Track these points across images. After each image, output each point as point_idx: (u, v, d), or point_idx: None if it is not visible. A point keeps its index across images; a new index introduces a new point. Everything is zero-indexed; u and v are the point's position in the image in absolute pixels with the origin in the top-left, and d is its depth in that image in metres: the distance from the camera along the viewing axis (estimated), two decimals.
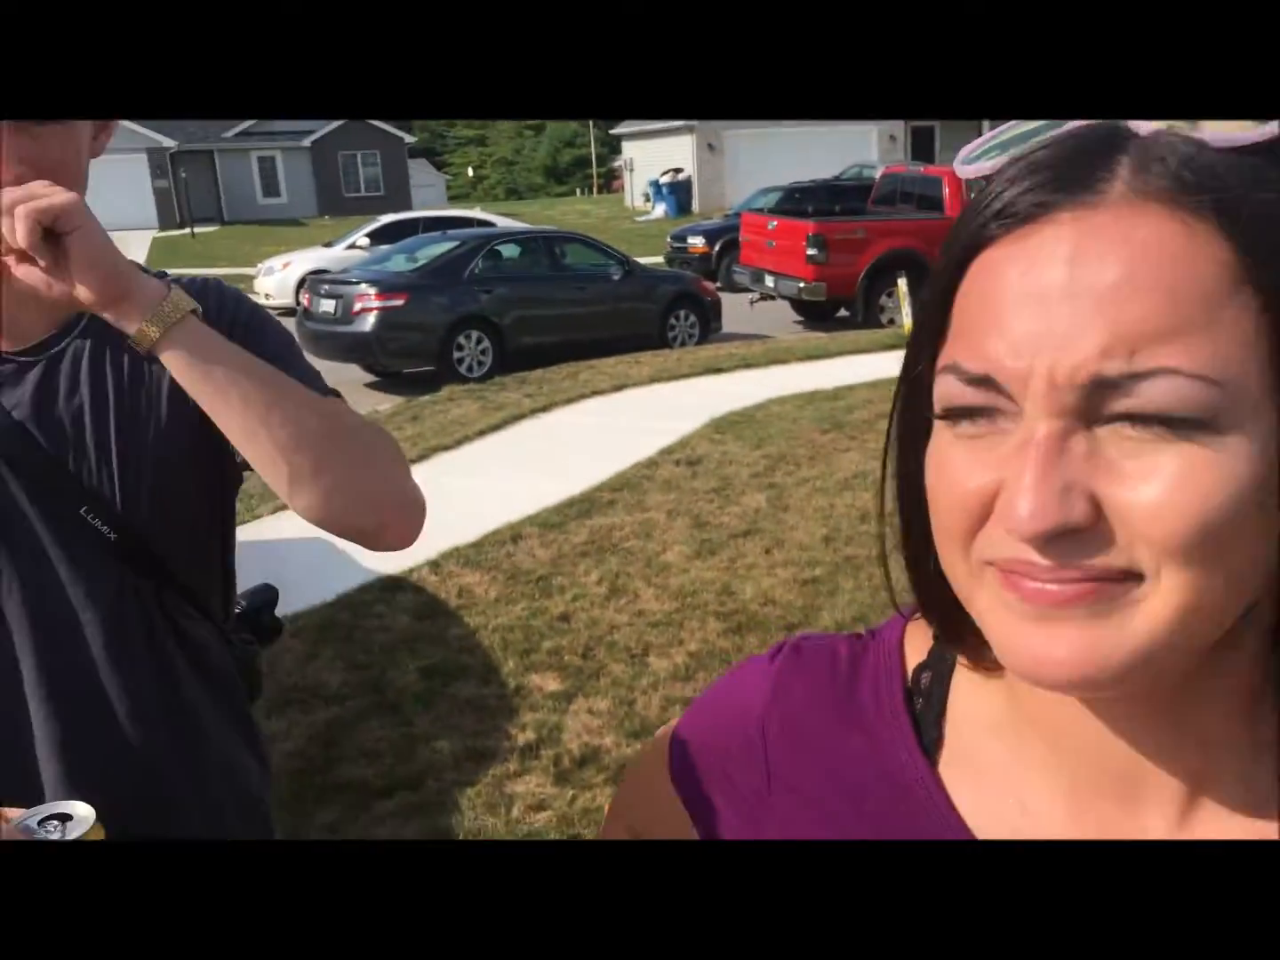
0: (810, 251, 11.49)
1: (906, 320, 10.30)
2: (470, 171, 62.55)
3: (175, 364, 0.98)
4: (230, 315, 1.13)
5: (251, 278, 15.80)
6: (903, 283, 10.39)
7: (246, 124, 37.02)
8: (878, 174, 15.14)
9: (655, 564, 4.95)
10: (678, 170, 29.08)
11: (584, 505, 5.83)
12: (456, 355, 9.80)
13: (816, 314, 12.52)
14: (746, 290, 13.10)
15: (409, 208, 35.48)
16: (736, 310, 12.49)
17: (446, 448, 7.19)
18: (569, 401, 8.54)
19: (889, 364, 8.44)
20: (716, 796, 0.64)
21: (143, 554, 1.10)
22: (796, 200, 15.87)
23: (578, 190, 53.72)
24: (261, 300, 14.27)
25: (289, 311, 11.77)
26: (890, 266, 11.37)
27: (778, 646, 0.65)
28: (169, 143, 33.73)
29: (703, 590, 4.61)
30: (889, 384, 0.59)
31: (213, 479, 1.15)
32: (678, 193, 28.84)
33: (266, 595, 1.38)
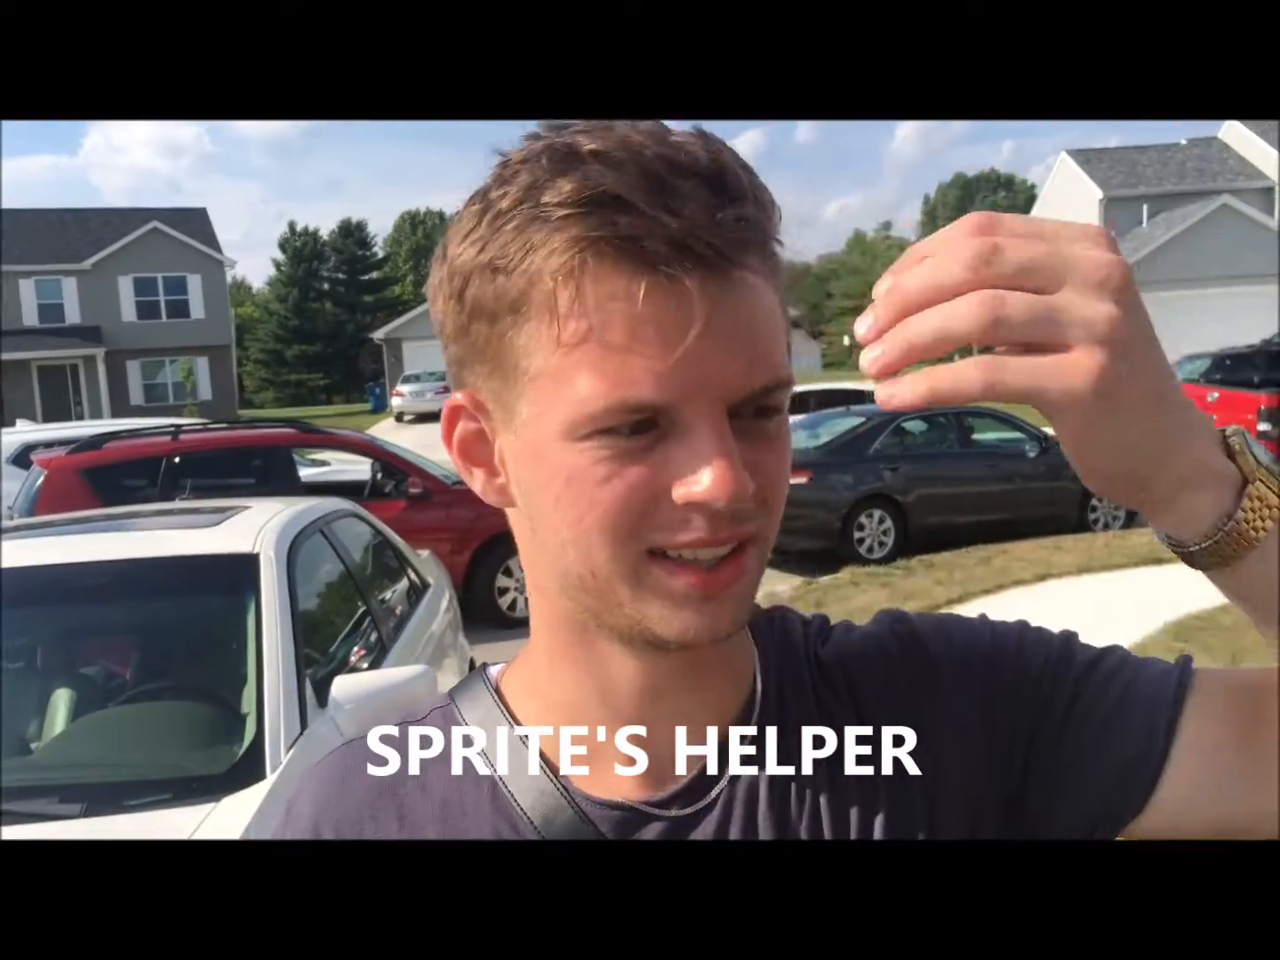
0: (1262, 427, 10.21)
1: None
2: (845, 340, 63.58)
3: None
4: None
5: None
6: None
7: None
8: None
9: None
10: None
11: None
12: (858, 535, 9.39)
13: None
14: None
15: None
16: None
17: None
18: (987, 592, 7.79)
19: None
20: None
21: None
22: (1229, 369, 14.33)
23: (955, 356, 52.99)
24: None
25: None
26: None
27: None
28: None
29: None
30: None
31: None
32: None
33: None
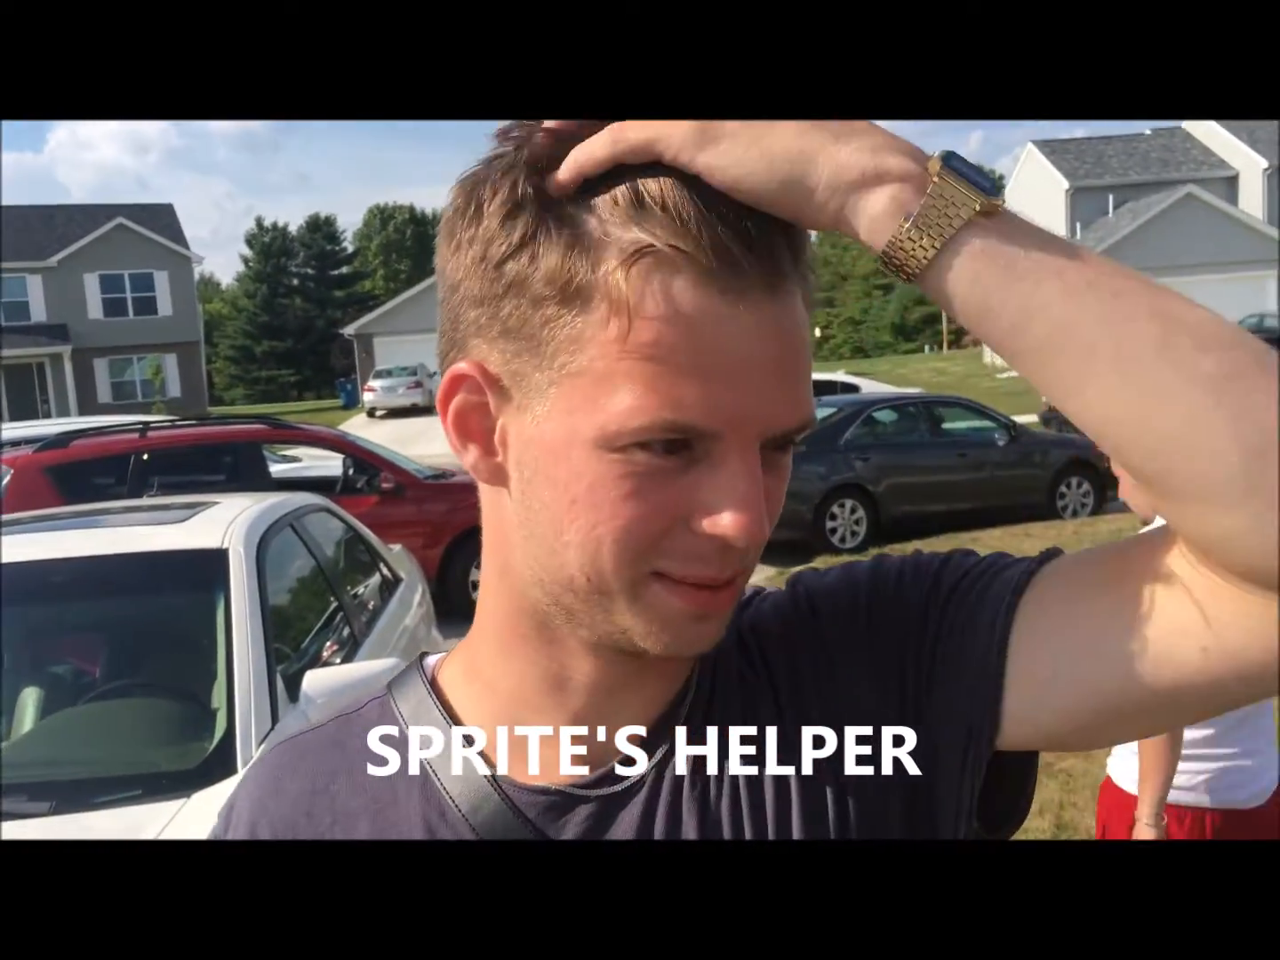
0: None
1: None
2: (817, 332, 63.82)
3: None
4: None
5: None
6: None
7: None
8: None
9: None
10: None
11: None
12: (829, 525, 9.44)
13: None
14: None
15: None
16: None
17: None
18: None
19: None
20: None
21: None
22: None
23: (926, 347, 53.28)
24: None
25: None
26: None
27: None
28: None
29: None
30: None
31: None
32: None
33: None
